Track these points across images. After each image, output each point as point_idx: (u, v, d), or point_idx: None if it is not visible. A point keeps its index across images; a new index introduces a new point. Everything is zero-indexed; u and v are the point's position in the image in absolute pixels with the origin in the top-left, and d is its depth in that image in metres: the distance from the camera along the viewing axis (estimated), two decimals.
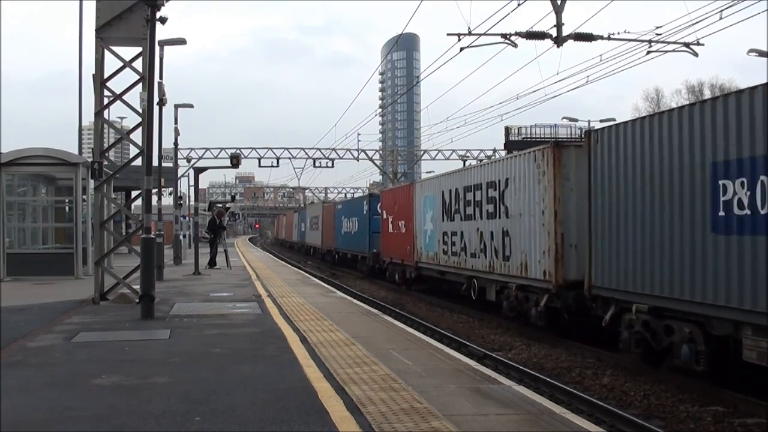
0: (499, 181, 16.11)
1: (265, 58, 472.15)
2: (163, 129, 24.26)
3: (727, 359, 9.38)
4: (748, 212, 8.49)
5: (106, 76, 14.17)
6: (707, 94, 64.89)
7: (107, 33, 13.89)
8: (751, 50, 27.99)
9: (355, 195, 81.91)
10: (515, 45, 19.08)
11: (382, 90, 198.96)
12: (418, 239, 22.57)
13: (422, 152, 60.99)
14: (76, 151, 25.70)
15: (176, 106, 30.90)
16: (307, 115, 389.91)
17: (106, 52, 14.09)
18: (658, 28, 19.37)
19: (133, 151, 15.33)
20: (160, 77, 21.63)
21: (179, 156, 40.93)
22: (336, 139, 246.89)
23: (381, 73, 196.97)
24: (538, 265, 14.06)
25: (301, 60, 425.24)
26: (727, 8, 16.79)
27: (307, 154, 55.67)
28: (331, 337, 9.75)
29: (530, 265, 14.43)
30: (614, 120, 36.52)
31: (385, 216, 26.82)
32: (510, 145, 47.34)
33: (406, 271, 24.46)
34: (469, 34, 19.17)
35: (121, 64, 14.19)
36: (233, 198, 47.96)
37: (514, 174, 15.36)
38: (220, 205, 28.66)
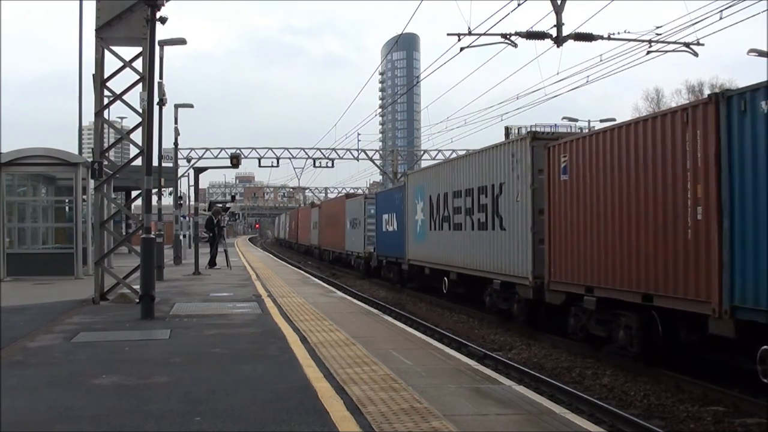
0: None
1: (260, 59, 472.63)
2: (163, 129, 24.31)
3: None
4: None
5: (106, 76, 14.16)
6: (707, 94, 64.78)
7: (107, 33, 13.89)
8: (751, 50, 27.96)
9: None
10: (515, 45, 19.04)
11: (382, 90, 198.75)
12: None
13: (422, 152, 60.97)
14: (76, 151, 25.72)
15: (176, 106, 30.94)
16: (307, 115, 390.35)
17: (106, 52, 14.09)
18: (658, 28, 19.30)
19: (133, 151, 15.35)
20: (160, 77, 21.65)
21: (179, 156, 40.91)
22: (336, 139, 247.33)
23: (381, 73, 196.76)
24: None
25: (297, 61, 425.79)
26: (727, 8, 16.70)
27: (307, 154, 55.69)
28: (331, 337, 9.75)
29: None
30: (614, 120, 36.68)
31: None
32: None
33: None
34: (469, 34, 19.13)
35: (121, 64, 14.19)
36: (233, 198, 47.81)
37: None
38: (220, 205, 28.65)
